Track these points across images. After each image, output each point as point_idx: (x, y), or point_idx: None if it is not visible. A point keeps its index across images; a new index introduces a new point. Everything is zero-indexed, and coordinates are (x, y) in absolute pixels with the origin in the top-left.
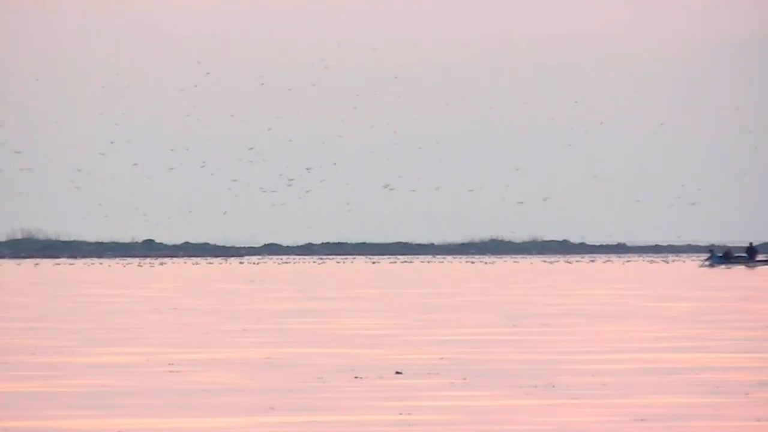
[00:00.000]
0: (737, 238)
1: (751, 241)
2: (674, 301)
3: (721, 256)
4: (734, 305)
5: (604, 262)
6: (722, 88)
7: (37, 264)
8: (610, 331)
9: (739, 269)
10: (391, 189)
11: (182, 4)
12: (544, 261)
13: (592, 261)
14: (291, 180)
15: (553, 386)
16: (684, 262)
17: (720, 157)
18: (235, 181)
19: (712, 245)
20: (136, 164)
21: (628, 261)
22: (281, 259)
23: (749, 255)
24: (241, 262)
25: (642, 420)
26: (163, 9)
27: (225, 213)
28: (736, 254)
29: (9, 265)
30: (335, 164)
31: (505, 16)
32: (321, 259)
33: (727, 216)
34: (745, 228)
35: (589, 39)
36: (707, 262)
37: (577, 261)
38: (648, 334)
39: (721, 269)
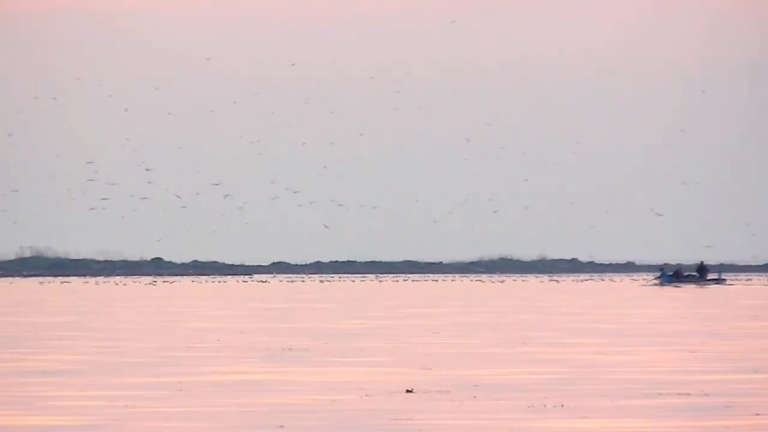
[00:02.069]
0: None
1: (702, 260)
2: (676, 319)
3: (672, 275)
4: (742, 324)
5: (612, 281)
6: (730, 101)
7: (48, 282)
8: (620, 352)
9: (690, 287)
10: (402, 208)
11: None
12: (552, 280)
13: (602, 279)
14: (299, 198)
15: (563, 405)
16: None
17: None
18: (244, 200)
19: (664, 264)
20: (145, 183)
21: (634, 279)
22: (290, 277)
23: (700, 274)
24: (244, 281)
25: None
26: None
27: (234, 231)
28: (687, 273)
29: (31, 283)
30: (344, 183)
31: (525, 29)
32: (331, 277)
33: (734, 233)
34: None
35: (596, 55)
36: (656, 281)
37: (584, 280)
38: (654, 355)
39: (671, 288)
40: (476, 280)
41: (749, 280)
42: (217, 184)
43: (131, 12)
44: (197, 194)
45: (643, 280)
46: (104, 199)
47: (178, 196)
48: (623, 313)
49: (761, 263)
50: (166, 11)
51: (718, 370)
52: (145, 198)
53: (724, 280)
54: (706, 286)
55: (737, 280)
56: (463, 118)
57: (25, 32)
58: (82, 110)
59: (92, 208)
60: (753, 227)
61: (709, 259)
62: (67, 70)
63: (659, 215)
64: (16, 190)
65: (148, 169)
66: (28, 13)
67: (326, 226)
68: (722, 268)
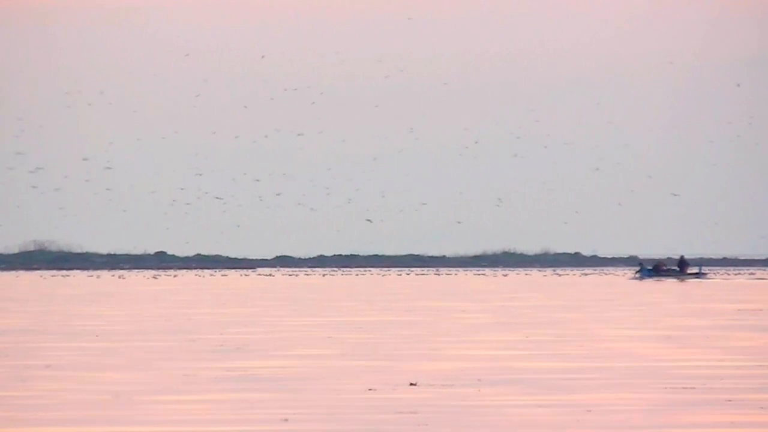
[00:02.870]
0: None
1: (682, 254)
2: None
3: (651, 269)
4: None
5: (617, 275)
6: (727, 99)
7: (51, 276)
8: (626, 345)
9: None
10: (402, 202)
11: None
12: (555, 273)
13: (604, 273)
14: (302, 193)
15: (566, 398)
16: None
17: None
18: (246, 194)
19: (641, 259)
20: (148, 176)
21: None
22: (293, 271)
23: (680, 268)
24: (247, 275)
25: None
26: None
27: (237, 225)
28: (667, 267)
29: (29, 276)
30: (345, 177)
31: (541, 24)
32: (334, 271)
33: (736, 227)
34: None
35: (596, 55)
36: (637, 275)
37: (587, 274)
38: (658, 348)
39: (652, 281)
40: (479, 274)
41: (752, 274)
42: (200, 174)
43: (136, 8)
44: (200, 189)
45: (624, 274)
46: (108, 191)
47: (219, 198)
48: (620, 305)
49: (763, 257)
50: (169, 7)
51: (717, 365)
52: (152, 191)
53: (705, 274)
54: (686, 280)
55: (740, 274)
56: (463, 115)
57: (28, 28)
58: (84, 106)
59: (95, 202)
60: (753, 223)
61: (714, 254)
62: (69, 67)
63: (675, 195)
64: (33, 171)
65: (149, 164)
66: (29, 8)
67: (369, 221)
68: (723, 261)
